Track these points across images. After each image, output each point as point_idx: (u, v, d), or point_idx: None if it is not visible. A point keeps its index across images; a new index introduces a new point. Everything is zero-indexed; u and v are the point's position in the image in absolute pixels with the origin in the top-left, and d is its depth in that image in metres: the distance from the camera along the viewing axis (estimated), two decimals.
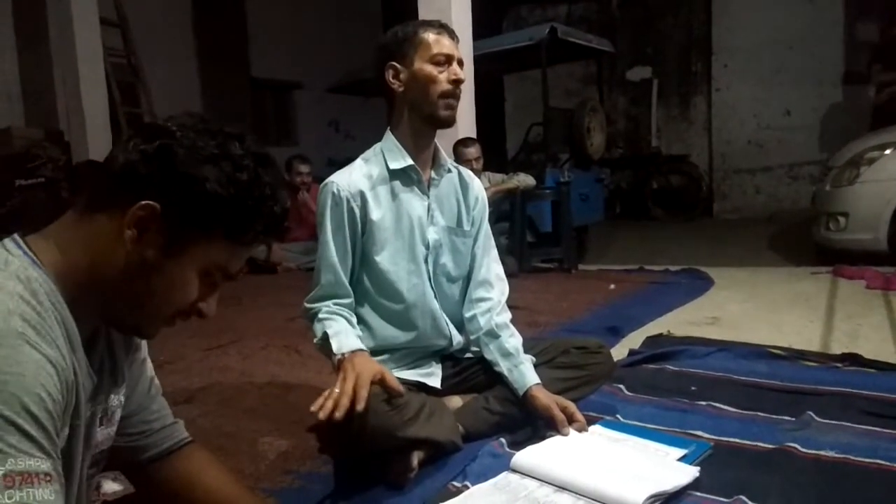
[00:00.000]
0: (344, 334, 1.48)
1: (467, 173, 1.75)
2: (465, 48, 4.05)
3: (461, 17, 3.97)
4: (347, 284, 1.57)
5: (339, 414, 1.24)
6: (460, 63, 1.56)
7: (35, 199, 4.76)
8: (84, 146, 5.42)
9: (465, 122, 4.07)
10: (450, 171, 1.68)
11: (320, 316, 1.53)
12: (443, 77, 1.52)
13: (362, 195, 1.55)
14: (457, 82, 1.54)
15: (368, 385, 1.30)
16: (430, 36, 1.53)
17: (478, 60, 4.24)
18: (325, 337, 1.48)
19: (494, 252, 1.77)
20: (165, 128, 0.77)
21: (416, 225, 1.60)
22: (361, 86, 6.53)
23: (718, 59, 8.17)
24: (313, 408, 1.26)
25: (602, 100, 6.13)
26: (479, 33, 4.32)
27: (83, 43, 5.49)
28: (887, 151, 3.98)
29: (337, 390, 1.28)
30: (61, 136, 5.69)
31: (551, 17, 8.64)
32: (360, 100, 7.55)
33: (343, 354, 1.41)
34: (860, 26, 7.31)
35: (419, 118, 1.56)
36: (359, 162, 1.62)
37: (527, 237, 4.63)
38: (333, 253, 1.55)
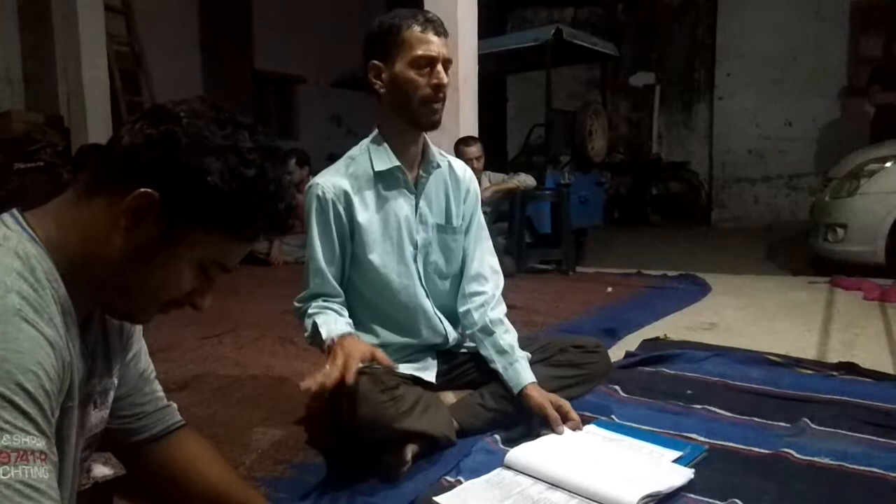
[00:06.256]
0: (333, 322, 1.47)
1: (459, 164, 1.71)
2: (470, 48, 4.05)
3: (467, 16, 3.95)
4: (337, 286, 1.56)
5: (328, 382, 1.23)
6: (447, 63, 1.47)
7: (33, 182, 4.76)
8: (84, 132, 5.40)
9: (468, 121, 4.05)
10: (439, 166, 1.63)
11: (310, 312, 1.52)
12: (424, 82, 1.45)
13: (347, 195, 1.52)
14: (439, 87, 1.46)
15: (358, 361, 1.27)
16: (414, 34, 1.43)
17: (481, 60, 4.23)
18: (315, 327, 1.47)
19: (488, 244, 1.74)
20: (173, 113, 0.75)
21: (403, 225, 1.57)
22: (364, 81, 6.50)
23: (722, 68, 8.17)
24: (302, 384, 1.23)
25: (605, 104, 6.12)
26: (483, 33, 4.30)
27: (86, 28, 5.46)
28: (888, 164, 3.98)
29: (327, 367, 1.27)
30: (61, 121, 5.67)
31: (556, 19, 8.63)
32: (363, 95, 7.47)
33: (333, 339, 1.40)
34: (864, 41, 7.33)
35: (402, 120, 1.52)
36: (344, 161, 1.58)
37: (525, 238, 4.63)
38: (321, 257, 1.53)
